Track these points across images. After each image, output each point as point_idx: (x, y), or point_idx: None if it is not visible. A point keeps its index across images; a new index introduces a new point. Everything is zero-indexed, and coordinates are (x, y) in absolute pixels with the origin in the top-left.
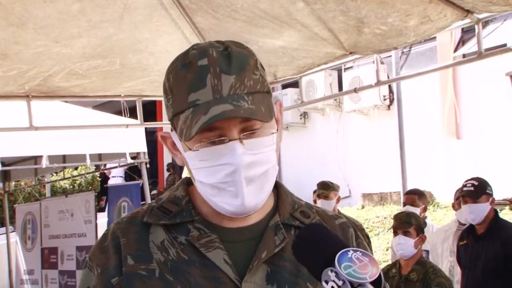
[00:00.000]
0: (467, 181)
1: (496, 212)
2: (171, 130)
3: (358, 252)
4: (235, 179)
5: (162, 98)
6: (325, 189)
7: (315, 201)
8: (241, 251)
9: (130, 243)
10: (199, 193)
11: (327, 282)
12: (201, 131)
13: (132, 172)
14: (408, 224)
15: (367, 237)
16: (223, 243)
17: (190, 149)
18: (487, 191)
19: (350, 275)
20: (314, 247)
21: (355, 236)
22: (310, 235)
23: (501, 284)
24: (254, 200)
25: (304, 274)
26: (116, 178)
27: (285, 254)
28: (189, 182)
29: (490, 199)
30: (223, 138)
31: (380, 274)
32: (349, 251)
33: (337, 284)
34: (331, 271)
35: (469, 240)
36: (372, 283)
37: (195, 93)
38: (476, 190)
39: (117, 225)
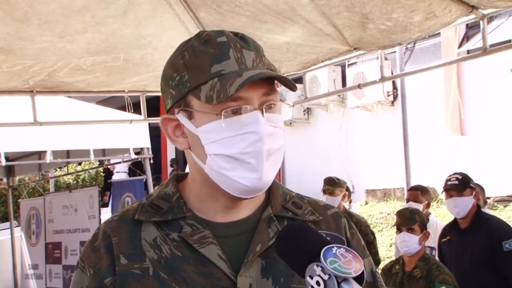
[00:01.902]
0: (450, 175)
1: (478, 206)
2: (176, 113)
3: (341, 249)
4: (258, 149)
5: None
6: (331, 185)
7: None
8: (235, 245)
9: (122, 242)
10: (192, 188)
11: (311, 277)
12: (225, 100)
13: (135, 168)
14: (412, 221)
15: (372, 233)
16: (216, 238)
17: (217, 115)
18: (471, 184)
19: (336, 270)
20: (297, 244)
21: (348, 226)
22: (292, 232)
23: (489, 274)
24: (269, 176)
25: None
26: (120, 173)
27: None
28: (179, 178)
29: (474, 193)
30: (247, 106)
31: (363, 270)
32: (333, 247)
33: (322, 279)
34: (317, 266)
35: (452, 236)
36: (355, 278)
37: (219, 65)
38: (460, 184)
39: (108, 224)
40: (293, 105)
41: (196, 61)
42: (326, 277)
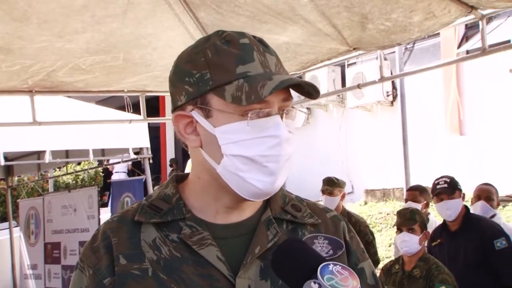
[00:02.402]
0: (438, 179)
1: (467, 207)
2: (189, 111)
3: (338, 266)
4: (277, 153)
5: (165, 94)
6: (330, 185)
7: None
8: (234, 247)
9: (122, 243)
10: (193, 188)
11: None
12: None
13: (135, 168)
14: (413, 221)
15: (371, 234)
16: (216, 239)
17: (242, 116)
18: (459, 187)
19: (333, 287)
20: (293, 261)
21: (347, 229)
22: (288, 250)
23: (483, 274)
24: (281, 181)
25: None
26: (119, 173)
27: None
28: (179, 179)
29: (462, 195)
30: (268, 110)
31: None
32: (329, 264)
33: None
34: (314, 282)
35: (443, 239)
36: None
37: (244, 66)
38: (450, 186)
39: (108, 225)
40: (308, 112)
41: (219, 60)
42: None
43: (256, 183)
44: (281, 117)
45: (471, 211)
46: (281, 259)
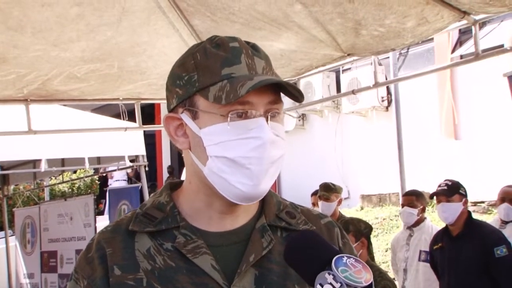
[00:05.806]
0: (442, 182)
1: (470, 213)
2: (180, 113)
3: (351, 259)
4: (259, 155)
5: (161, 101)
6: (327, 191)
7: (313, 204)
8: (229, 255)
9: (116, 253)
10: (187, 194)
11: (322, 285)
12: (233, 103)
13: (134, 175)
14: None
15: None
16: (210, 248)
17: (222, 116)
18: (460, 191)
19: (348, 278)
20: (308, 252)
21: (341, 235)
22: (303, 240)
23: (483, 280)
24: (266, 184)
25: (292, 276)
26: (120, 181)
27: (273, 256)
28: (172, 187)
29: (463, 200)
30: (252, 111)
31: (372, 281)
32: (343, 257)
33: (334, 287)
34: (329, 274)
35: (444, 243)
36: None
37: (230, 68)
38: (449, 189)
39: (102, 235)
40: (297, 117)
41: (207, 62)
42: (337, 285)
43: (239, 185)
44: (267, 119)
45: (495, 213)
46: (294, 249)
